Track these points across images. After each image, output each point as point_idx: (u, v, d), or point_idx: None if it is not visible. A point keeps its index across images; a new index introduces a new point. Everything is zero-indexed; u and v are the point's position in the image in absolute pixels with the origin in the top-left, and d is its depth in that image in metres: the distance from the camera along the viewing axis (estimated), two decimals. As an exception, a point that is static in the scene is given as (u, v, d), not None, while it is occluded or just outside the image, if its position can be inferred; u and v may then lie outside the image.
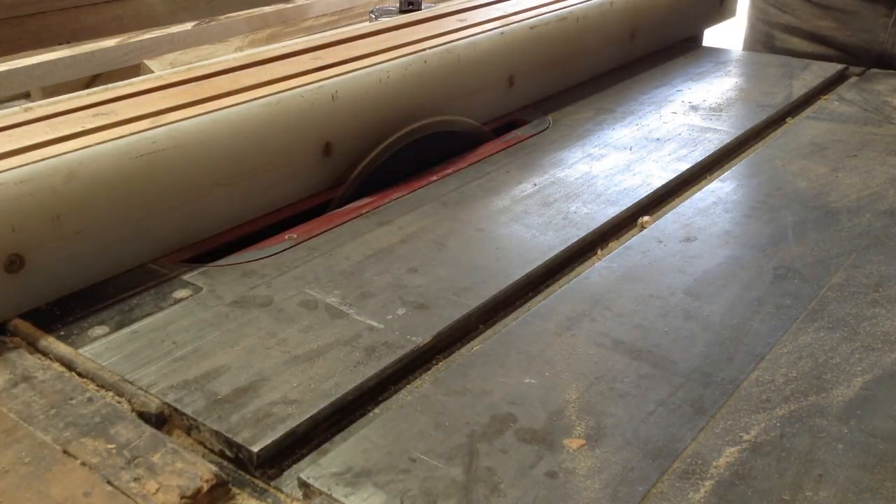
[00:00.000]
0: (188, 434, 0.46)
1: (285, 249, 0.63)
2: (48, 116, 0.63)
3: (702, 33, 1.25)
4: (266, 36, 1.65)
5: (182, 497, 0.40)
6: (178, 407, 0.46)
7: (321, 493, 0.40)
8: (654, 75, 1.04)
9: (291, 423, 0.45)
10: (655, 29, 1.12)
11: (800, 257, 0.61)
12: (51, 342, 0.52)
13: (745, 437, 0.43)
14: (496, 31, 0.89)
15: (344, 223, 0.68)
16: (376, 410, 0.48)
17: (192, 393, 0.47)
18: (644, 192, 0.72)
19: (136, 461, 0.42)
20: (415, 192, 0.73)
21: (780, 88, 0.98)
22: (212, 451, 0.45)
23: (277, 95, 0.69)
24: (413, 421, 0.45)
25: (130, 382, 0.48)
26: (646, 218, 0.68)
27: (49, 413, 0.46)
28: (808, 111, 0.92)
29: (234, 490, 0.42)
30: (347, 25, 1.47)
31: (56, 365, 0.51)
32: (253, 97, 0.68)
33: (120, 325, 0.54)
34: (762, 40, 1.26)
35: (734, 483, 0.41)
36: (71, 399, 0.47)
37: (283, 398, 0.46)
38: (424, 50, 0.82)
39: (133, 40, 1.49)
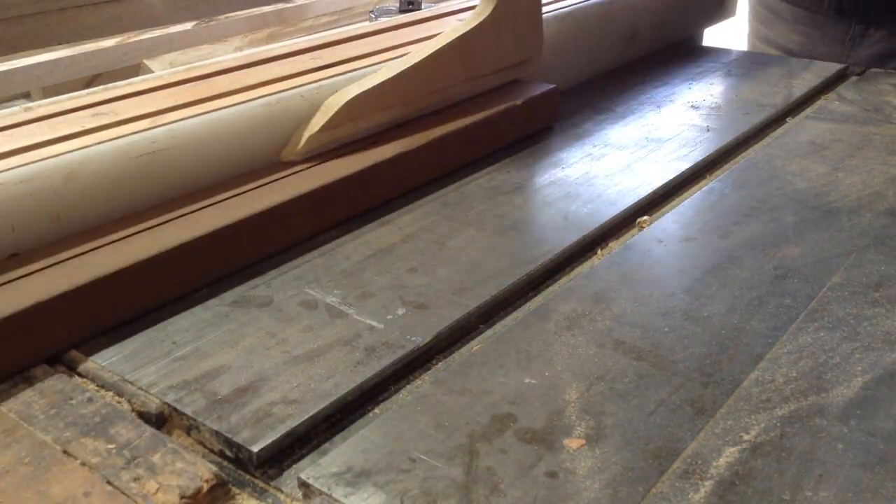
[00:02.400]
0: (188, 434, 0.46)
1: (285, 249, 0.63)
2: (48, 116, 0.63)
3: (702, 33, 1.25)
4: (266, 36, 1.65)
5: (182, 497, 0.40)
6: (178, 407, 0.46)
7: (321, 493, 0.40)
8: (654, 75, 1.04)
9: (291, 423, 0.45)
10: (655, 29, 1.12)
11: (800, 257, 0.61)
12: (50, 342, 0.52)
13: (746, 437, 0.43)
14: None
15: (344, 223, 0.67)
16: (376, 410, 0.48)
17: (192, 393, 0.47)
18: (644, 192, 0.72)
19: (136, 461, 0.42)
20: (415, 191, 0.73)
21: (780, 88, 0.98)
22: (212, 451, 0.45)
23: (277, 95, 0.69)
24: (413, 421, 0.45)
25: (130, 382, 0.48)
26: (644, 218, 0.68)
27: (49, 413, 0.46)
28: (808, 111, 0.92)
29: (234, 490, 0.42)
30: (347, 25, 1.46)
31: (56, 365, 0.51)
32: (253, 97, 0.68)
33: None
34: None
35: (734, 483, 0.41)
36: (71, 399, 0.47)
37: (283, 398, 0.46)
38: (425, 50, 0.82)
39: (133, 40, 1.49)
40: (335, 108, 0.69)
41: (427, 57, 0.75)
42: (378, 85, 0.72)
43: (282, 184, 0.64)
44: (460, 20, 0.93)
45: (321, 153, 0.70)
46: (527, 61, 0.86)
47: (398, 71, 0.73)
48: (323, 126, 0.69)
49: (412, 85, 0.75)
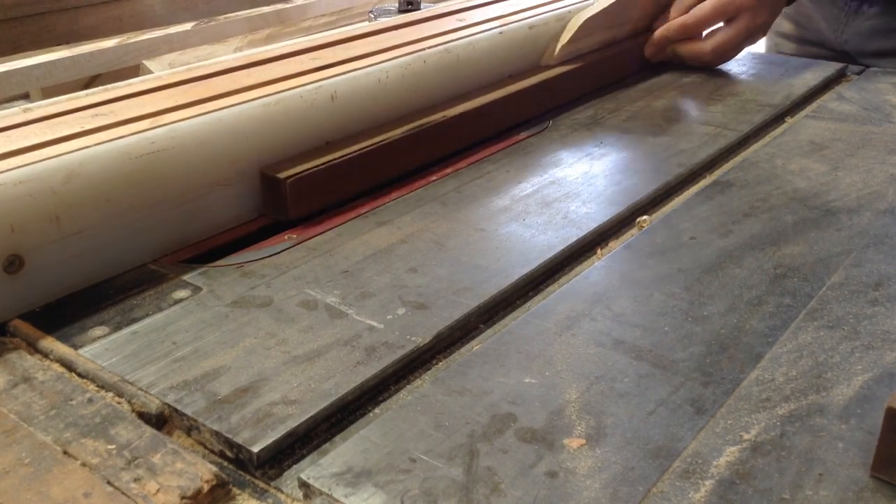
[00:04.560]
0: (188, 434, 0.46)
1: (285, 249, 0.63)
2: (47, 117, 0.63)
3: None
4: (265, 36, 1.65)
5: (182, 497, 0.40)
6: (179, 407, 0.46)
7: (321, 493, 0.40)
8: (654, 75, 1.04)
9: (291, 424, 0.45)
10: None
11: (799, 256, 0.61)
12: (51, 343, 0.52)
13: (746, 437, 0.43)
14: (495, 30, 0.89)
15: (344, 223, 0.68)
16: (376, 410, 0.48)
17: (193, 393, 0.47)
18: (644, 191, 0.72)
19: (136, 462, 0.42)
20: (415, 192, 0.73)
21: (780, 88, 0.98)
22: (212, 451, 0.45)
23: (277, 95, 0.69)
24: (413, 421, 0.45)
25: (130, 383, 0.48)
26: (644, 218, 0.68)
27: (49, 414, 0.46)
28: (808, 110, 0.92)
29: (235, 490, 0.42)
30: (347, 25, 1.47)
31: (56, 365, 0.51)
32: (252, 97, 0.68)
33: (120, 326, 0.54)
34: None
35: (734, 482, 0.41)
36: (71, 400, 0.47)
37: (284, 398, 0.46)
38: (424, 50, 0.82)
39: (132, 41, 1.49)
40: (576, 26, 0.96)
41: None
42: (603, 9, 0.98)
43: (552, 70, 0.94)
44: (460, 20, 0.93)
45: (567, 60, 0.98)
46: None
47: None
48: (569, 39, 0.96)
49: (621, 12, 1.02)
